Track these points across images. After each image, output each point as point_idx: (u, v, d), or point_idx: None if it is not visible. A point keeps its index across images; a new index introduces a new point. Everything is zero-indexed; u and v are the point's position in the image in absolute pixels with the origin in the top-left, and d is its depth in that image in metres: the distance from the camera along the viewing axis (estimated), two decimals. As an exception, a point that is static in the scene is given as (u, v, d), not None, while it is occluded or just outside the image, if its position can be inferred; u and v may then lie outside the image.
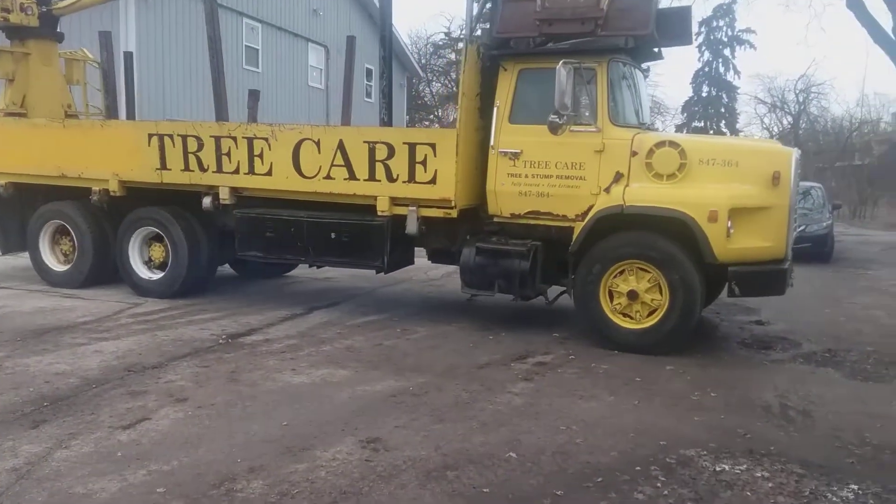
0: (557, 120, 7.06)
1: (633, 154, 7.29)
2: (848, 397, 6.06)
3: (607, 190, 7.33)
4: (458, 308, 9.21)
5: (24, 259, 10.87)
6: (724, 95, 49.23)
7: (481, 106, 7.97)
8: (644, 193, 7.20)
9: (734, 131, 49.67)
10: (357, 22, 25.77)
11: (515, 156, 7.63)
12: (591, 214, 7.34)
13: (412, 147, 7.87)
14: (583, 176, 7.43)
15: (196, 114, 16.88)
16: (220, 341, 7.31)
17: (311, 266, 9.66)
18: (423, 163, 7.82)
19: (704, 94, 49.53)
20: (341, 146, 8.15)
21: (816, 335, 8.28)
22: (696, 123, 49.26)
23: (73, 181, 9.62)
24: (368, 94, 26.76)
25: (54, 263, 10.12)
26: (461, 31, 37.73)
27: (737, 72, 48.76)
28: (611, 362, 6.89)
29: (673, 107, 50.53)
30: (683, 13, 8.46)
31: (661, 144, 7.26)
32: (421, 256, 9.09)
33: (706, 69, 49.03)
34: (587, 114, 7.41)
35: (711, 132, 47.83)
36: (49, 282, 9.99)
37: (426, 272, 11.68)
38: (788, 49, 71.39)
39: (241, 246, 8.89)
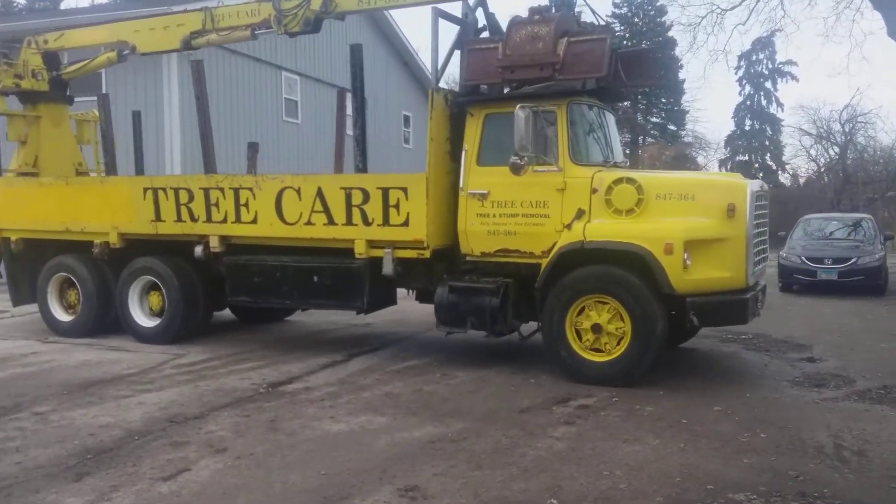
0: (519, 161, 7.34)
1: (594, 191, 7.50)
2: (906, 436, 5.81)
3: (569, 226, 7.54)
4: (499, 352, 9.13)
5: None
6: (767, 128, 48.66)
7: (452, 150, 8.23)
8: (603, 229, 7.41)
9: (780, 164, 49.00)
10: (394, 70, 26.15)
11: (483, 196, 7.88)
12: (554, 251, 7.52)
13: (385, 191, 8.16)
14: (546, 214, 7.66)
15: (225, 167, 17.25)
16: (261, 390, 7.34)
17: (296, 309, 9.86)
18: (396, 206, 8.13)
19: (747, 128, 49.04)
20: (320, 193, 8.51)
21: (871, 371, 8.01)
22: (739, 157, 48.72)
23: (76, 235, 10.09)
24: (406, 141, 27.01)
25: (61, 314, 10.48)
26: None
27: (779, 104, 48.33)
28: (655, 404, 6.73)
29: (715, 141, 49.96)
30: (647, 54, 8.87)
31: (619, 181, 7.46)
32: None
33: (748, 102, 48.63)
34: (550, 154, 7.63)
35: (756, 166, 47.28)
36: (56, 331, 10.36)
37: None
38: (832, 79, 70.32)
39: (231, 291, 9.28)
